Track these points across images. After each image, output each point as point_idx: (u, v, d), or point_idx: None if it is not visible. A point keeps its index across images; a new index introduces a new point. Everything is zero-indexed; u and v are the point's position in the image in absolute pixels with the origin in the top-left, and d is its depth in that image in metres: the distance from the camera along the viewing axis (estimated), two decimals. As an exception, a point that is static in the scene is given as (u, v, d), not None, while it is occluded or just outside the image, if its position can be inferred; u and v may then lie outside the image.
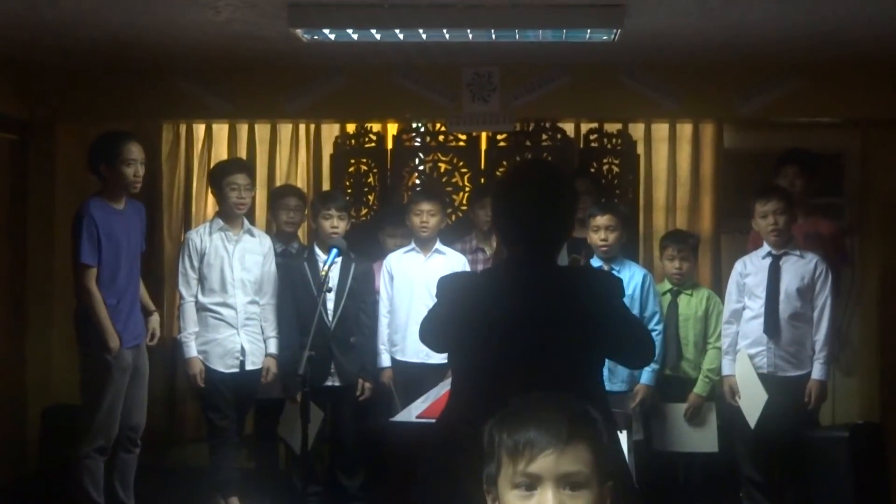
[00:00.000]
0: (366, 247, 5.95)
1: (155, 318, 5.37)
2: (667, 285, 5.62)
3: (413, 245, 5.68)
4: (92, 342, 4.95)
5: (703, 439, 5.53)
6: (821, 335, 5.21)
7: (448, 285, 3.06)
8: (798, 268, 5.25)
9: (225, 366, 5.41)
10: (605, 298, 2.93)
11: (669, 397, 5.54)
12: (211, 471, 5.49)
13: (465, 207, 6.23)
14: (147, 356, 5.23)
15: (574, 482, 1.88)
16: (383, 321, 5.65)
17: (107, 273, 4.99)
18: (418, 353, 5.47)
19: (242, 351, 5.42)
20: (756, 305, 5.29)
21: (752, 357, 5.26)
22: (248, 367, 5.45)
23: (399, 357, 5.62)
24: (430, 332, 3.11)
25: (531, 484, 1.89)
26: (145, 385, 5.21)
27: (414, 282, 5.53)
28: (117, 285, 5.03)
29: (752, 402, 5.24)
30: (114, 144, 5.01)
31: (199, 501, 5.55)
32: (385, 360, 5.64)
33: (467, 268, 5.60)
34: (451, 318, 2.99)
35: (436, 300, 3.09)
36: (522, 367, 2.79)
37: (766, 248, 5.33)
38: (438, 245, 5.68)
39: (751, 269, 5.36)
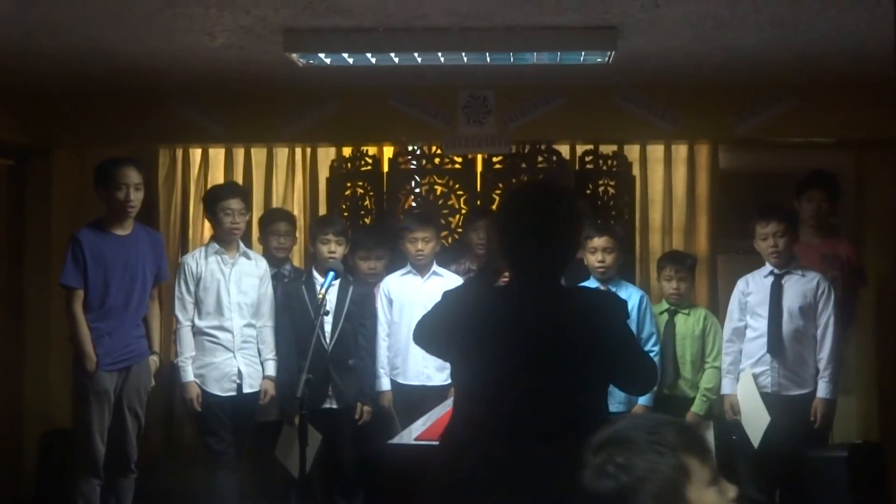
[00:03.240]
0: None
1: (153, 360, 5.35)
2: (664, 305, 5.62)
3: (409, 268, 5.69)
4: (76, 364, 5.04)
5: (701, 458, 5.50)
6: (825, 353, 5.19)
7: (454, 295, 3.09)
8: (800, 286, 5.25)
9: (222, 389, 5.40)
10: (608, 320, 2.93)
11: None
12: (208, 494, 5.47)
13: (461, 230, 6.24)
14: (141, 383, 5.20)
15: None
16: (382, 344, 5.63)
17: (94, 296, 5.04)
18: (419, 375, 5.52)
19: (239, 374, 5.42)
20: (758, 324, 5.29)
21: (756, 376, 5.25)
22: (246, 390, 5.44)
23: (400, 380, 5.61)
24: (427, 334, 3.13)
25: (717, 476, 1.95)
26: (131, 414, 5.16)
27: (413, 304, 5.50)
28: (105, 309, 5.07)
29: (755, 423, 5.23)
30: (107, 169, 5.11)
31: (196, 526, 5.52)
32: (385, 384, 5.62)
33: None
34: (454, 327, 3.00)
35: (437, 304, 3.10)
36: (525, 387, 2.81)
37: (768, 266, 5.33)
38: (435, 267, 5.68)
39: (753, 288, 5.36)
